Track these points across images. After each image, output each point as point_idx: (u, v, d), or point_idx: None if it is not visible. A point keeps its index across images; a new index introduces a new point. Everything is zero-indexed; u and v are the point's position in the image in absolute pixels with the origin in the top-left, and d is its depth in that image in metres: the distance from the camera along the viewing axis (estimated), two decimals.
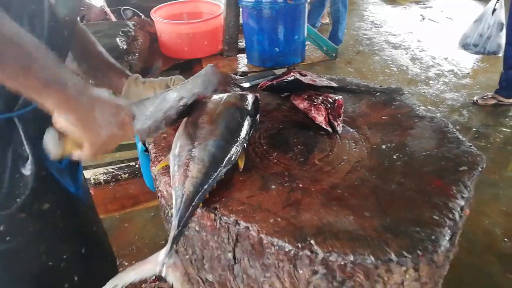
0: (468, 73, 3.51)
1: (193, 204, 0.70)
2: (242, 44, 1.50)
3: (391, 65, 3.74)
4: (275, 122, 0.99)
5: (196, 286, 0.96)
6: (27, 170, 0.79)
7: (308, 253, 0.65)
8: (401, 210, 0.71)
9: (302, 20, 1.27)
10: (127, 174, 1.62)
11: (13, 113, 0.76)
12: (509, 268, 1.72)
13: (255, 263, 0.73)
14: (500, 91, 2.92)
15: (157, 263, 0.66)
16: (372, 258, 0.63)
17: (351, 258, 0.64)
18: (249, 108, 0.88)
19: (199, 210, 0.75)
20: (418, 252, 0.64)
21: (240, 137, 0.80)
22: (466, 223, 2.19)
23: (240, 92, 0.95)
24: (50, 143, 0.67)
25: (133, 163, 1.66)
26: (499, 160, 2.40)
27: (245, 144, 0.81)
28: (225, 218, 0.72)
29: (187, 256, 0.90)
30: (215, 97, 0.91)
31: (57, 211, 0.87)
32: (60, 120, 0.62)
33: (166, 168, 0.83)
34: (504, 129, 2.69)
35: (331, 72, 3.59)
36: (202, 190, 0.71)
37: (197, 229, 0.79)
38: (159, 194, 0.88)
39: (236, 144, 0.79)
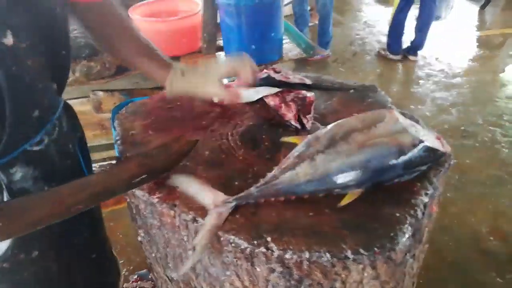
0: (459, 72, 3.51)
1: None
2: (221, 41, 1.49)
3: (382, 64, 3.73)
4: (245, 119, 0.98)
5: (165, 286, 0.95)
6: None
7: (264, 250, 0.64)
8: (361, 207, 0.71)
9: (278, 17, 1.26)
10: None
11: None
12: (494, 267, 1.71)
13: (215, 261, 0.72)
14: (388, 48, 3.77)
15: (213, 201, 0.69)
16: (328, 255, 0.63)
17: (307, 255, 0.63)
18: None
19: (158, 206, 0.74)
20: (375, 249, 0.63)
21: None
22: (452, 221, 2.17)
23: None
24: None
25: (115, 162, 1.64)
26: (487, 159, 2.39)
27: None
28: (183, 215, 0.71)
29: (152, 254, 0.89)
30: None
31: (51, 253, 0.82)
32: None
33: None
34: (492, 128, 2.68)
35: (323, 72, 3.58)
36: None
37: (159, 226, 0.78)
38: None
39: None
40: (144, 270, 1.69)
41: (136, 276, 1.66)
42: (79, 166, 0.90)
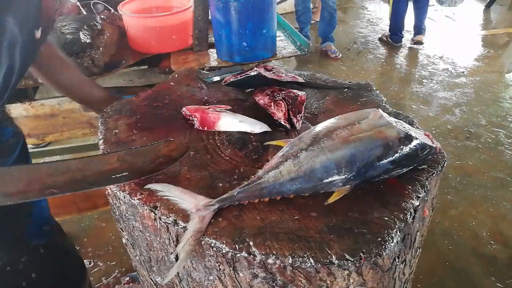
0: (463, 72, 3.45)
1: None
2: (213, 38, 1.46)
3: (384, 63, 3.69)
4: None
5: None
6: None
7: (246, 255, 0.61)
8: (349, 210, 0.68)
9: (270, 13, 1.23)
10: None
11: None
12: (493, 272, 1.67)
13: (198, 265, 0.70)
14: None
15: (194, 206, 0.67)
16: (311, 260, 0.60)
17: (290, 260, 0.60)
18: None
19: (139, 208, 0.71)
20: (361, 254, 0.60)
21: None
22: (452, 224, 2.12)
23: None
24: None
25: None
26: (490, 161, 2.35)
27: None
28: (164, 217, 0.68)
29: (137, 257, 0.87)
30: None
31: None
32: None
33: None
34: (496, 129, 2.63)
35: (323, 70, 3.55)
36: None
37: (141, 229, 0.76)
38: (107, 192, 0.84)
39: None
40: (136, 272, 1.68)
41: (127, 278, 1.64)
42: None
